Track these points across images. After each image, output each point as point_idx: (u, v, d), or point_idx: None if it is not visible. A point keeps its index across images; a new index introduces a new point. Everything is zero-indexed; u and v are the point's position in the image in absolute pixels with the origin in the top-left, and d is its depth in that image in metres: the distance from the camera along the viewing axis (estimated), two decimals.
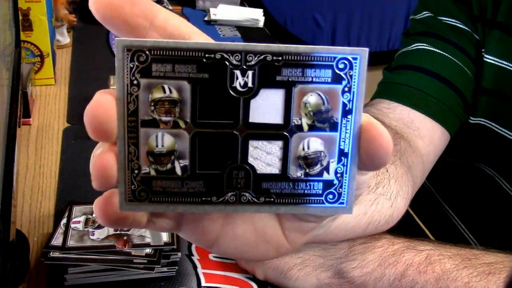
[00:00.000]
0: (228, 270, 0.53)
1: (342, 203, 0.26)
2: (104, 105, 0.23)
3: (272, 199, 0.25)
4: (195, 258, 0.54)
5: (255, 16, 1.30)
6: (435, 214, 0.76)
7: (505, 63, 0.59)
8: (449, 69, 0.62)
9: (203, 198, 0.25)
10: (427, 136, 0.60)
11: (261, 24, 1.30)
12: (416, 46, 0.65)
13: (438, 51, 0.63)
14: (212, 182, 0.25)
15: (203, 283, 0.51)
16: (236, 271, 0.53)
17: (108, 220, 0.25)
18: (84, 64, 1.00)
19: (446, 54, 0.62)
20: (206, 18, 1.29)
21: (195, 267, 0.53)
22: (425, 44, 0.64)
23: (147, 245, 0.51)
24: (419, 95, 0.61)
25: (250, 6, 1.39)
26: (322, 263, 0.48)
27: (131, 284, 0.50)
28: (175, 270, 0.51)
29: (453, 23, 0.63)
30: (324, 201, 0.26)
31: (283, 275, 0.49)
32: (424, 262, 0.45)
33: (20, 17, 0.82)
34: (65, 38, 1.06)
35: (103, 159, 0.23)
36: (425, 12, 0.66)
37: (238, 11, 1.30)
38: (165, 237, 0.52)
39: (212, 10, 1.28)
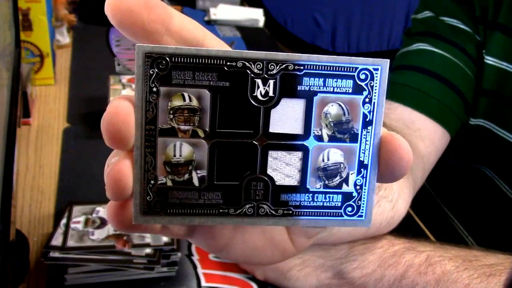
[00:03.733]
0: (228, 270, 0.53)
1: (360, 216, 0.25)
2: (122, 112, 0.22)
3: (290, 212, 0.25)
4: (195, 258, 0.54)
5: (255, 16, 1.30)
6: (434, 215, 0.76)
7: (506, 64, 0.59)
8: (450, 70, 0.62)
9: (220, 210, 0.24)
10: (427, 137, 0.60)
11: (261, 24, 1.30)
12: (417, 46, 0.64)
13: (439, 51, 0.62)
14: (230, 194, 0.24)
15: (203, 283, 0.51)
16: (236, 271, 0.53)
17: (121, 228, 0.25)
18: (84, 64, 1.00)
19: (447, 55, 0.62)
20: (206, 18, 1.29)
21: (195, 267, 0.53)
22: (426, 45, 0.64)
23: (147, 245, 0.51)
24: (419, 95, 0.61)
25: (250, 6, 1.39)
26: (322, 263, 0.48)
27: (131, 284, 0.50)
28: (175, 270, 0.51)
29: (455, 24, 0.63)
30: (343, 213, 0.25)
31: (283, 276, 0.49)
32: (424, 263, 0.45)
33: (20, 17, 0.82)
34: (65, 38, 1.05)
35: (119, 169, 0.23)
36: (426, 12, 0.66)
37: (238, 11, 1.30)
38: (165, 237, 0.52)
39: (212, 10, 1.28)
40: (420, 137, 0.59)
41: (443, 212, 0.75)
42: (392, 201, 0.47)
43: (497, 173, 0.65)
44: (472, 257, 0.45)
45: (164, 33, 0.23)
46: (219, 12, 1.27)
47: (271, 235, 0.30)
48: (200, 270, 0.53)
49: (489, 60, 0.61)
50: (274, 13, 2.06)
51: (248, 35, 1.22)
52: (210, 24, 1.26)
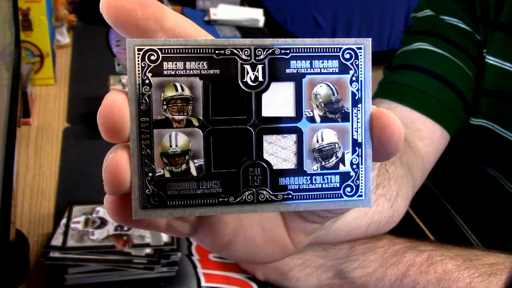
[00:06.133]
0: (228, 270, 0.53)
1: (360, 195, 0.25)
2: (117, 105, 0.22)
3: (290, 196, 0.25)
4: (195, 258, 0.54)
5: (255, 16, 1.29)
6: (437, 215, 0.76)
7: (508, 64, 0.59)
8: (450, 70, 0.62)
9: (220, 199, 0.24)
10: (427, 137, 0.60)
11: (261, 24, 1.30)
12: (418, 45, 0.64)
13: (439, 51, 0.62)
14: (228, 181, 0.24)
15: (203, 283, 0.51)
16: (236, 271, 0.53)
17: (123, 223, 0.25)
18: (84, 64, 1.00)
19: (448, 55, 0.62)
20: (206, 18, 1.29)
21: (195, 267, 0.53)
22: (426, 44, 0.64)
23: (147, 245, 0.50)
24: (419, 95, 0.61)
25: (250, 6, 1.39)
26: (322, 263, 0.48)
27: (131, 284, 0.50)
28: (175, 270, 0.51)
29: (455, 23, 0.63)
30: (343, 194, 0.25)
31: (283, 276, 0.49)
32: (425, 262, 0.45)
33: (20, 17, 0.82)
34: (65, 38, 1.05)
35: (116, 162, 0.23)
36: (427, 11, 0.66)
37: (238, 11, 1.30)
38: (165, 237, 0.52)
39: (212, 10, 1.28)
40: (420, 137, 0.59)
41: (447, 212, 0.75)
42: (390, 199, 0.47)
43: (501, 173, 0.65)
44: (473, 256, 0.45)
45: (158, 31, 0.24)
46: (219, 12, 1.27)
47: (270, 232, 0.30)
48: (200, 270, 0.53)
49: (490, 60, 0.61)
50: (274, 13, 2.06)
51: (248, 35, 1.22)
52: (210, 24, 1.26)
